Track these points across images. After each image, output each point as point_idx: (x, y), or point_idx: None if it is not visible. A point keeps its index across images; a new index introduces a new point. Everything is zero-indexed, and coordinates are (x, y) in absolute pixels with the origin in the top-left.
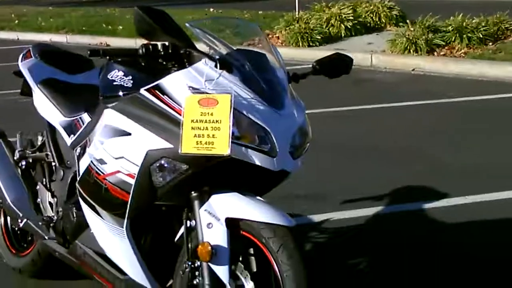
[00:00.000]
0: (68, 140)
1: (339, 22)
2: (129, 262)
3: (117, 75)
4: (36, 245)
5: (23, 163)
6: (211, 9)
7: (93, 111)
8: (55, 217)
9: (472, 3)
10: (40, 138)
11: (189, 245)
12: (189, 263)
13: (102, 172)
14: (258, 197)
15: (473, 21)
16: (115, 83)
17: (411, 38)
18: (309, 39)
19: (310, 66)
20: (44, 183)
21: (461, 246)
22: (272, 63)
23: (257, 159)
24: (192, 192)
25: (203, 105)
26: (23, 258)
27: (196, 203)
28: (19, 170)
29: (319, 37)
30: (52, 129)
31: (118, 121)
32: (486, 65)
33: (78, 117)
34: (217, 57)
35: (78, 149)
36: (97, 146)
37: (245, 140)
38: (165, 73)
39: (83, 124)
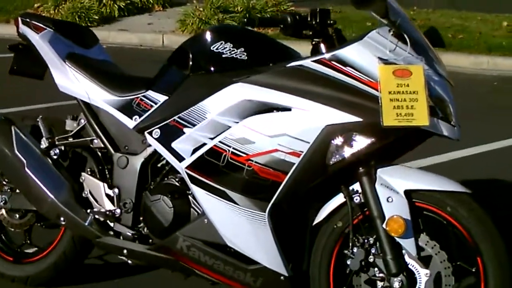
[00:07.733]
0: (130, 122)
1: (112, 2)
2: (264, 249)
3: (224, 47)
4: (56, 247)
5: (56, 151)
6: None
7: (162, 88)
8: (119, 211)
9: None
10: (69, 122)
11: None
12: (364, 240)
13: (244, 153)
14: (416, 167)
15: (259, 2)
16: (224, 55)
17: (203, 18)
18: (87, 19)
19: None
20: (91, 173)
21: None
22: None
23: (444, 129)
24: (360, 168)
25: (398, 76)
26: (33, 264)
27: (365, 178)
28: (49, 160)
29: (96, 17)
30: (92, 111)
31: (266, 96)
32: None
33: (139, 95)
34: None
35: (157, 132)
36: (224, 125)
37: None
38: (281, 49)
39: (152, 103)
